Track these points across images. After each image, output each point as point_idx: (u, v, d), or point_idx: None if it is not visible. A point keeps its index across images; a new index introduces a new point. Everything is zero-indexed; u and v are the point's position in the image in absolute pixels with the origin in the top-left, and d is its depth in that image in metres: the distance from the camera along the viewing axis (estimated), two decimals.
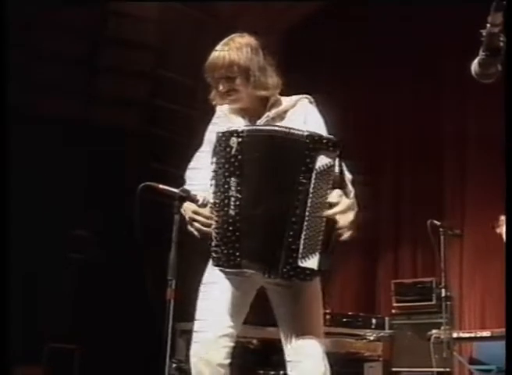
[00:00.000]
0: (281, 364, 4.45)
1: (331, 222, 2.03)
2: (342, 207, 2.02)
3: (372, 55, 6.73)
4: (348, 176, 2.12)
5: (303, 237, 2.00)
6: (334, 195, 2.03)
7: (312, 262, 2.01)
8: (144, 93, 6.65)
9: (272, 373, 4.41)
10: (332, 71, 7.11)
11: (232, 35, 2.34)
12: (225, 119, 2.35)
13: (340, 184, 2.06)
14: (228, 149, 2.07)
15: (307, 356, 2.15)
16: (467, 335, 4.88)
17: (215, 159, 2.11)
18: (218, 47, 2.31)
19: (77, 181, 5.80)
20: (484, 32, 1.48)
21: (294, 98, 2.35)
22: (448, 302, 4.58)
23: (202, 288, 2.26)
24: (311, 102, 2.35)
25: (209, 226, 2.14)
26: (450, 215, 5.97)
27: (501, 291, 4.59)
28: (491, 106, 5.25)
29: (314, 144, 2.01)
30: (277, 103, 2.34)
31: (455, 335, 4.65)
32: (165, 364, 2.07)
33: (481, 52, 1.53)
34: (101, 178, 5.85)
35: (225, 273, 2.20)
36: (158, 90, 6.71)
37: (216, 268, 2.17)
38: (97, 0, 6.33)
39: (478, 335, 4.78)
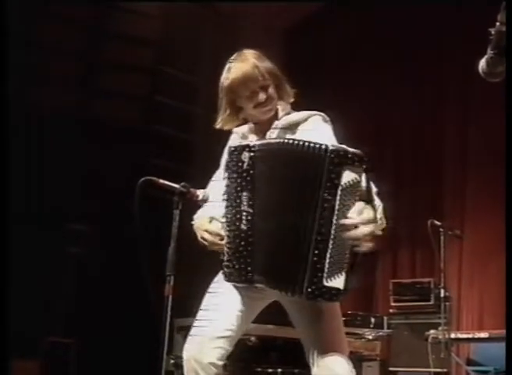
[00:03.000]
0: (279, 361, 4.47)
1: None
2: (360, 219, 1.88)
3: (373, 56, 6.72)
4: (374, 189, 1.99)
5: (328, 256, 1.88)
6: (356, 208, 1.90)
7: (338, 282, 1.90)
8: (145, 88, 6.65)
9: (270, 370, 4.39)
10: (332, 72, 7.10)
11: (239, 52, 2.26)
12: (241, 141, 2.27)
13: (367, 199, 1.94)
14: (240, 164, 2.04)
15: None
16: (464, 336, 4.86)
17: (226, 174, 2.09)
18: (234, 61, 2.23)
19: (77, 176, 5.79)
20: (493, 30, 1.46)
21: (306, 112, 2.26)
22: (446, 303, 4.57)
23: (212, 285, 2.23)
24: (325, 121, 2.24)
25: (216, 244, 2.13)
26: (450, 215, 5.95)
27: (500, 292, 4.60)
28: (492, 107, 5.24)
29: (339, 158, 1.86)
30: (287, 115, 2.28)
31: (453, 336, 4.63)
32: (162, 359, 2.06)
33: (489, 51, 1.51)
34: (101, 173, 5.84)
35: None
36: (158, 85, 6.70)
37: None
38: None
39: (476, 336, 4.76)
